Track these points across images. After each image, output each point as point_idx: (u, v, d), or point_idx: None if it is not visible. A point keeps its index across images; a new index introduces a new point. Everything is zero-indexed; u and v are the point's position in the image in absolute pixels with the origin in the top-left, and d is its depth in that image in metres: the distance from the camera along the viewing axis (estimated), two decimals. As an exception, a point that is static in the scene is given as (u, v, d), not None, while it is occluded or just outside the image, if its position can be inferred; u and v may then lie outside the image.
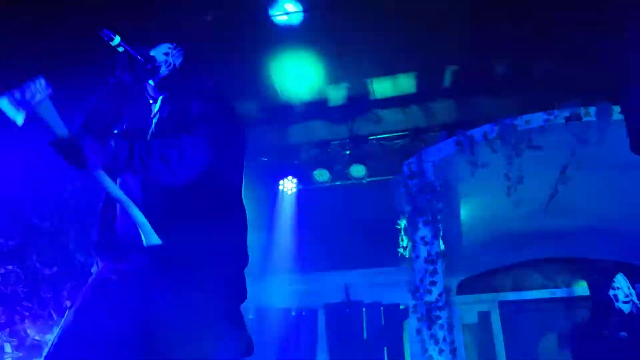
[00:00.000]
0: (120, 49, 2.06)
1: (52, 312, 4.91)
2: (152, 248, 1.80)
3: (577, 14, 5.43)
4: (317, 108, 7.01)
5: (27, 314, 4.73)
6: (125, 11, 4.91)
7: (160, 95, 2.22)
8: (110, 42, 2.02)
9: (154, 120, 2.15)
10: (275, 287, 6.93)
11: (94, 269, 2.02)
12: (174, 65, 2.23)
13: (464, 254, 6.07)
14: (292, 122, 7.08)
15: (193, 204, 1.91)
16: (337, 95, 6.94)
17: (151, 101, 2.25)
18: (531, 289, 6.61)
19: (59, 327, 1.84)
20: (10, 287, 4.72)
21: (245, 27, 5.91)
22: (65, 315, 1.88)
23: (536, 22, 5.71)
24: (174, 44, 2.29)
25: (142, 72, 2.12)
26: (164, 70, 2.20)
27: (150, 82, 2.21)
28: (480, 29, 6.08)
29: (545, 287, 6.60)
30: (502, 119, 4.92)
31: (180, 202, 1.90)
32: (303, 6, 5.75)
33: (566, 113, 4.83)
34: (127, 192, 1.87)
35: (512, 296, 6.60)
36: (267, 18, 5.62)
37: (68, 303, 5.04)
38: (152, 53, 2.21)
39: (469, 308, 6.66)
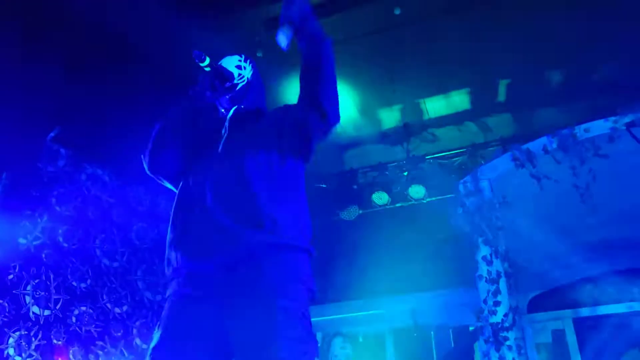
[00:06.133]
0: (207, 69, 2.19)
1: (123, 350, 5.08)
2: (244, 243, 1.83)
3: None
4: (372, 131, 7.04)
5: (101, 352, 4.90)
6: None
7: (233, 106, 2.30)
8: (200, 63, 2.17)
9: (226, 126, 2.23)
10: (341, 314, 6.91)
11: (168, 272, 1.99)
12: (247, 79, 2.32)
13: (533, 271, 5.87)
14: (348, 147, 7.12)
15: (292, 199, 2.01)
16: (390, 117, 6.95)
17: (223, 110, 2.32)
18: (607, 303, 6.29)
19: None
20: (85, 327, 4.93)
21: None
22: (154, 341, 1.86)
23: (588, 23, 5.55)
24: (243, 57, 2.36)
25: (223, 89, 2.23)
26: (239, 85, 2.28)
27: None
28: (529, 37, 5.97)
29: (621, 300, 6.27)
30: (560, 129, 4.77)
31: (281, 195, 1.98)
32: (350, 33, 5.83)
33: (627, 119, 4.62)
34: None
35: (587, 312, 6.28)
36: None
37: (138, 340, 5.22)
38: (222, 64, 2.30)
39: (542, 326, 6.40)
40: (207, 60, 2.18)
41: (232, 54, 2.36)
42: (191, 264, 1.90)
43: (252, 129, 2.17)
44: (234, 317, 1.79)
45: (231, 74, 2.26)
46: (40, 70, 4.71)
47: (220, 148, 2.13)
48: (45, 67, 4.79)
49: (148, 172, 2.17)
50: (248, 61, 2.36)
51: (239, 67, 2.31)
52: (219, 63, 2.30)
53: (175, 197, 2.12)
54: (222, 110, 2.32)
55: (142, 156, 2.18)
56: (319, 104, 2.01)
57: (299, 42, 2.08)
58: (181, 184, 2.14)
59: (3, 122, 4.47)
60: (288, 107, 2.22)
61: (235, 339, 1.77)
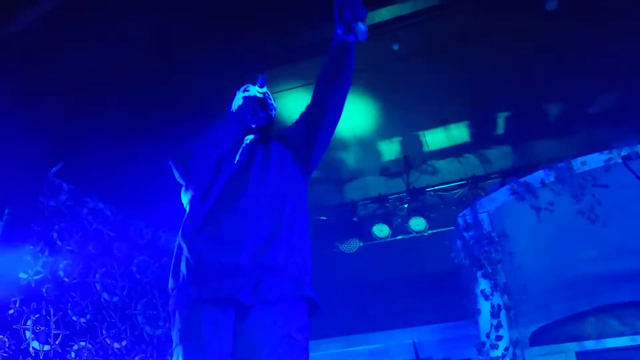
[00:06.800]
0: (260, 95, 2.30)
1: (122, 385, 5.05)
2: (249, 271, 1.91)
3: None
4: (372, 163, 7.07)
5: (100, 388, 4.89)
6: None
7: (256, 135, 2.41)
8: (259, 88, 2.27)
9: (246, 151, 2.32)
10: (342, 348, 6.85)
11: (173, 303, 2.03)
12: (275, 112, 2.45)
13: (534, 304, 5.83)
14: (348, 178, 7.15)
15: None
16: (390, 149, 6.98)
17: (244, 137, 2.41)
18: (609, 336, 6.23)
19: None
20: (84, 363, 4.91)
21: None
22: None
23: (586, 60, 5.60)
24: (270, 92, 2.44)
25: (261, 115, 2.34)
26: (271, 116, 2.42)
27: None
28: (529, 72, 6.01)
29: (623, 334, 6.21)
30: (556, 163, 4.80)
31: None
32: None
33: (624, 152, 4.65)
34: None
35: (589, 345, 6.23)
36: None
37: (137, 375, 5.18)
38: None
39: (544, 360, 6.35)
40: (265, 88, 2.28)
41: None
42: (215, 259, 1.96)
43: (267, 156, 2.26)
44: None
45: (272, 105, 2.39)
46: (41, 105, 4.77)
47: (234, 173, 2.21)
48: (47, 102, 4.84)
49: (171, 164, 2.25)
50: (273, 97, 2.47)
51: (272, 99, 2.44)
52: None
53: (186, 214, 2.19)
54: (244, 137, 2.41)
55: (168, 159, 2.26)
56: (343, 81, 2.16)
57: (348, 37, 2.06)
58: (192, 198, 2.19)
59: (5, 157, 4.50)
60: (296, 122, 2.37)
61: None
